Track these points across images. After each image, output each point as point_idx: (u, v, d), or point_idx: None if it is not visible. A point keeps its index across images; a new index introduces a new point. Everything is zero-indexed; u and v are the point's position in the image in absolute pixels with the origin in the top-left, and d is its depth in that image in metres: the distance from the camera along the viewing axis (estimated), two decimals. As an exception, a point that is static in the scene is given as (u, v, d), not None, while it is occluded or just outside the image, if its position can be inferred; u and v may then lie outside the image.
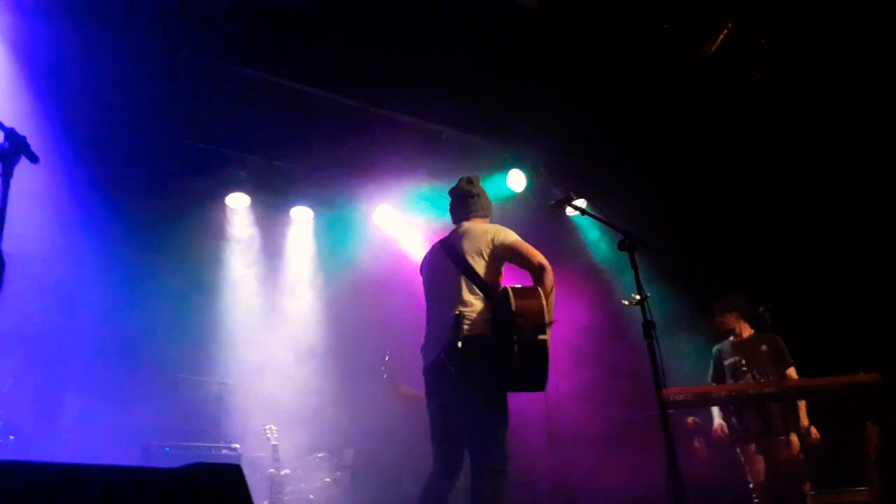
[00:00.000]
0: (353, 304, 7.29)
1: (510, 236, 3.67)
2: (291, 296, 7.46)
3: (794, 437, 5.05)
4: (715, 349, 5.52)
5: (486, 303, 3.54)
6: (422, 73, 5.74)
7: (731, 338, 5.46)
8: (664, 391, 3.25)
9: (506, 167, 7.12)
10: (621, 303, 3.84)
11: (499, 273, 3.71)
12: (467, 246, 3.64)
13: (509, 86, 5.95)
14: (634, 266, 3.41)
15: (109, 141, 5.82)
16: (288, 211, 7.49)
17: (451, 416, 3.51)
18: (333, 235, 7.55)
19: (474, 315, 3.50)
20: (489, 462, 3.38)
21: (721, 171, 6.27)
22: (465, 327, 3.47)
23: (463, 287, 3.56)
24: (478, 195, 3.95)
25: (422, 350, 3.70)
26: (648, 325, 3.33)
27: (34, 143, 2.87)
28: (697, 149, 6.24)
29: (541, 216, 6.47)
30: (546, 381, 3.48)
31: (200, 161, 6.58)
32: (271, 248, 7.46)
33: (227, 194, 7.01)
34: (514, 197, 7.10)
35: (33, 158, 2.88)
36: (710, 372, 5.47)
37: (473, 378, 3.39)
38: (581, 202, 3.84)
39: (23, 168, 2.86)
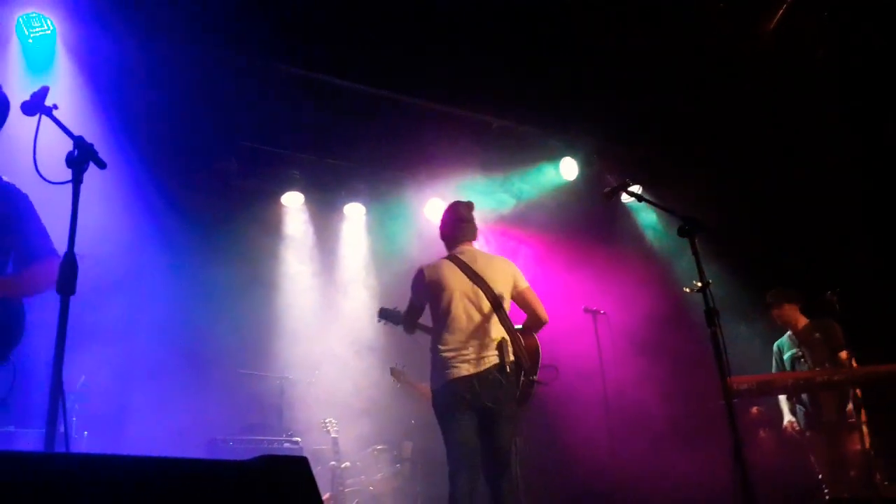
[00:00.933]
0: (408, 298, 7.31)
1: (524, 282, 4.11)
2: (346, 291, 7.56)
3: (864, 428, 4.88)
4: (776, 345, 5.40)
5: (513, 334, 3.97)
6: (470, 64, 5.70)
7: (789, 331, 5.32)
8: (728, 380, 3.17)
9: (556, 156, 7.06)
10: (680, 290, 3.79)
11: None
12: (491, 275, 4.01)
13: (559, 73, 5.87)
14: (696, 252, 3.34)
15: (170, 145, 6.01)
16: (341, 208, 7.60)
17: (492, 421, 3.82)
18: (386, 230, 7.62)
19: (509, 343, 3.90)
20: (510, 462, 3.82)
21: (779, 155, 6.06)
22: (509, 350, 3.87)
23: (497, 315, 3.93)
24: (473, 220, 4.33)
25: (449, 361, 3.85)
26: (712, 313, 3.25)
27: (101, 150, 2.99)
28: (754, 131, 6.04)
29: (592, 204, 6.39)
30: None
31: (256, 162, 6.73)
32: (326, 245, 7.58)
33: (282, 193, 7.16)
34: (566, 185, 7.04)
35: (101, 164, 2.97)
36: (774, 368, 5.33)
37: (512, 393, 3.84)
38: (637, 188, 3.77)
39: (91, 174, 2.97)
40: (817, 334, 5.14)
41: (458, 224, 4.24)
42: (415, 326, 4.40)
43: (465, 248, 4.17)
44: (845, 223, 5.83)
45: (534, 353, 4.03)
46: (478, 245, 4.29)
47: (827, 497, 4.84)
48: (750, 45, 5.40)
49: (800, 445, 5.18)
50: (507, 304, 4.00)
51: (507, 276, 4.05)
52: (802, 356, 5.10)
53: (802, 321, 5.27)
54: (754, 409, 5.61)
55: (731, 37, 5.41)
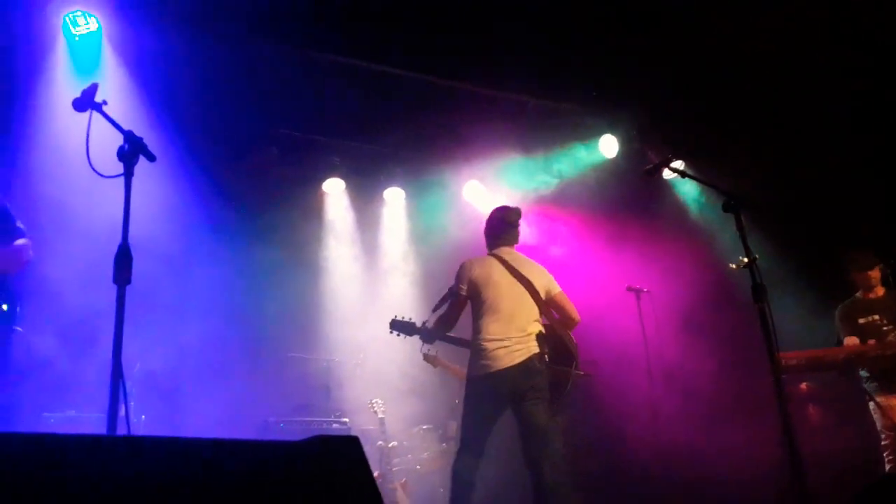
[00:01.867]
0: (450, 280, 7.34)
1: (557, 287, 4.39)
2: (389, 274, 7.64)
3: None
4: (840, 308, 5.21)
5: (550, 329, 4.34)
6: (506, 43, 5.66)
7: (861, 295, 5.17)
8: (777, 356, 3.14)
9: (595, 134, 6.99)
10: (725, 266, 3.74)
11: None
12: (534, 279, 4.30)
13: (595, 50, 5.78)
14: (741, 228, 3.30)
15: (215, 136, 6.14)
16: (381, 193, 7.67)
17: (530, 403, 4.04)
18: (426, 213, 7.66)
19: (544, 336, 4.23)
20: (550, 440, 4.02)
21: (820, 128, 5.88)
22: (544, 342, 4.19)
23: (538, 310, 4.26)
24: (518, 227, 4.57)
25: (492, 351, 4.08)
26: (759, 289, 3.22)
27: (149, 143, 3.08)
28: (797, 103, 5.86)
29: (634, 181, 6.31)
30: None
31: (296, 149, 6.83)
32: (367, 230, 7.67)
33: (323, 180, 7.26)
34: (606, 163, 6.97)
35: (151, 157, 3.06)
36: (839, 331, 5.15)
37: (547, 380, 4.14)
38: (679, 164, 3.72)
39: (141, 167, 3.06)
40: None
41: (505, 228, 4.50)
42: (437, 336, 4.73)
43: (507, 249, 4.45)
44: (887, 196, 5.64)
45: (573, 346, 4.34)
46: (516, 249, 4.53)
47: (889, 464, 4.75)
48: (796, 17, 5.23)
49: (849, 421, 5.08)
50: (542, 303, 4.29)
51: (544, 279, 4.36)
52: (885, 324, 4.96)
53: (881, 290, 5.13)
54: (803, 385, 5.51)
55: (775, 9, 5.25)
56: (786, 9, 5.18)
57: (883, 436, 4.89)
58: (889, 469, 4.80)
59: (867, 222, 5.80)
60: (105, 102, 3.09)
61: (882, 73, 5.41)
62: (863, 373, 5.04)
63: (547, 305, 4.31)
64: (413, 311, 7.33)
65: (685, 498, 5.16)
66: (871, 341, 4.84)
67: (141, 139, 3.01)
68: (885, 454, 4.87)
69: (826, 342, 5.07)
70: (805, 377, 5.45)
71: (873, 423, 4.99)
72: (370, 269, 7.60)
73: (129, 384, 4.92)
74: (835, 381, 5.40)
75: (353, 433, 5.66)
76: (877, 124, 5.63)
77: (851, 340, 4.96)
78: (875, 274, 5.10)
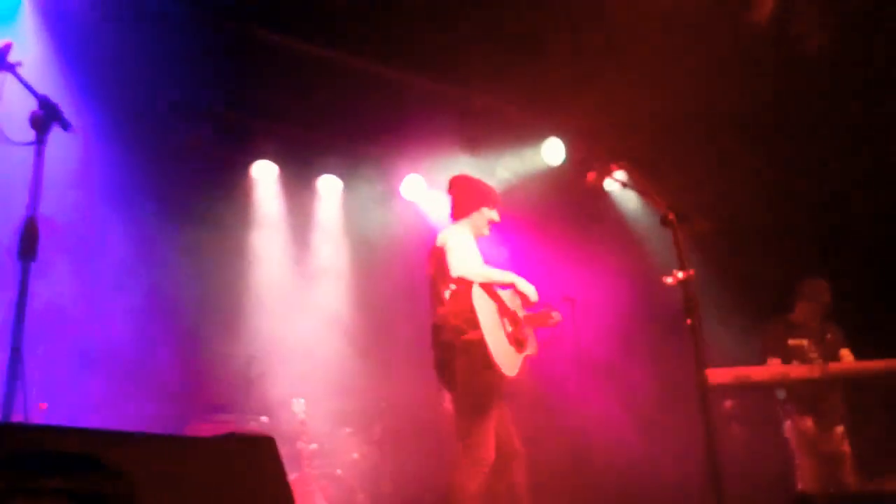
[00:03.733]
0: (382, 277, 7.27)
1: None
2: (318, 268, 7.44)
3: (839, 428, 4.97)
4: (772, 323, 5.29)
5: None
6: (456, 38, 5.59)
7: (796, 317, 5.28)
8: (705, 372, 3.16)
9: (541, 138, 6.99)
10: (662, 280, 3.77)
11: None
12: None
13: (544, 51, 5.78)
14: (677, 242, 3.31)
15: (140, 108, 5.81)
16: (315, 181, 7.45)
17: None
18: (361, 206, 7.50)
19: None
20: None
21: (767, 135, 6.04)
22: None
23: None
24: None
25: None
26: (691, 304, 3.24)
27: (67, 111, 2.88)
28: (749, 118, 5.99)
29: (577, 189, 6.34)
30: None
31: (227, 129, 6.56)
32: (298, 219, 7.42)
33: (253, 163, 6.99)
34: (550, 169, 6.99)
35: (66, 126, 2.88)
36: (766, 346, 5.21)
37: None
38: (622, 174, 3.73)
39: (56, 135, 2.86)
40: (829, 335, 5.16)
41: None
42: None
43: None
44: (834, 212, 5.83)
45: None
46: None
47: (799, 487, 4.90)
48: (746, 28, 5.35)
49: (774, 437, 5.22)
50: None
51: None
52: (812, 350, 5.10)
53: (817, 318, 5.28)
54: (728, 403, 5.64)
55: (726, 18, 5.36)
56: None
57: (796, 454, 5.04)
58: (800, 485, 4.96)
59: (800, 240, 5.98)
60: (20, 63, 2.91)
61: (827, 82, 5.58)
62: (780, 393, 5.20)
63: None
64: (341, 304, 7.26)
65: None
66: (795, 363, 4.98)
67: (57, 105, 2.83)
68: (797, 472, 5.02)
69: (752, 360, 5.19)
70: (730, 395, 5.58)
71: (787, 441, 5.16)
72: (299, 260, 7.38)
73: (31, 369, 4.65)
74: (759, 399, 5.55)
75: (272, 433, 5.46)
76: (824, 136, 5.80)
77: (774, 362, 5.10)
78: (824, 304, 5.21)
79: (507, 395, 3.87)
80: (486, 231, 4.14)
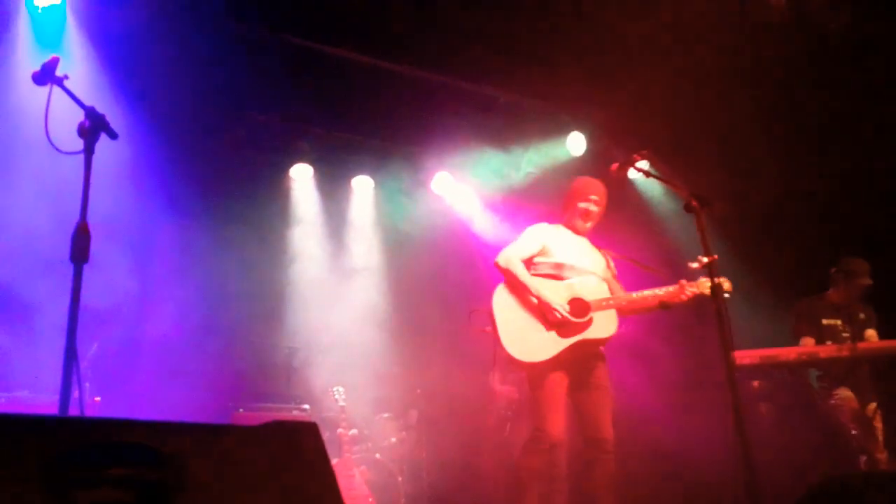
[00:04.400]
0: (415, 270, 7.40)
1: None
2: (354, 263, 7.62)
3: (872, 405, 4.95)
4: (805, 303, 5.29)
5: None
6: (479, 37, 5.66)
7: (830, 297, 5.26)
8: (731, 354, 3.21)
9: (564, 131, 7.04)
10: (686, 264, 3.82)
11: None
12: None
13: (569, 47, 5.80)
14: (701, 228, 3.35)
15: (181, 116, 6.03)
16: (349, 181, 7.64)
17: None
18: (393, 203, 7.65)
19: None
20: None
21: (785, 125, 5.98)
22: None
23: None
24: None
25: None
26: (716, 288, 3.29)
27: (112, 121, 3.01)
28: (766, 104, 5.95)
29: (601, 179, 6.34)
30: None
31: (265, 133, 6.75)
32: (334, 218, 7.63)
33: (291, 165, 7.20)
34: (574, 160, 7.03)
35: (112, 135, 3.00)
36: (798, 327, 5.23)
37: None
38: (644, 164, 3.77)
39: (103, 144, 3.00)
40: (862, 315, 5.16)
41: None
42: None
43: None
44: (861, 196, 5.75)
45: None
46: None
47: (861, 455, 4.87)
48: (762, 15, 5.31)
49: (801, 419, 5.22)
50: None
51: None
52: (845, 330, 5.07)
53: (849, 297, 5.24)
54: (755, 383, 5.63)
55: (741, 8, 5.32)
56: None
57: (851, 427, 4.98)
58: (865, 461, 4.88)
59: (826, 224, 5.93)
60: (66, 77, 3.02)
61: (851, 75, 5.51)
62: (814, 372, 5.18)
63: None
64: (376, 297, 7.41)
65: (640, 488, 5.25)
66: (828, 343, 4.96)
67: (103, 115, 2.95)
68: (855, 444, 4.95)
69: (777, 341, 5.18)
70: (757, 375, 5.57)
71: (819, 420, 5.13)
72: (336, 257, 7.57)
73: (84, 366, 4.87)
74: (786, 379, 5.54)
75: (314, 420, 5.63)
76: (846, 126, 5.73)
77: (807, 341, 5.09)
78: (863, 285, 5.15)
79: (596, 385, 3.96)
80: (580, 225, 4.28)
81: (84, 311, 2.82)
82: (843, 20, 5.17)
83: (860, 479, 3.89)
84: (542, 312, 3.94)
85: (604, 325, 3.96)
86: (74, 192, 2.85)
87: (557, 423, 3.86)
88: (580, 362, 3.99)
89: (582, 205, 4.27)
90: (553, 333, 3.91)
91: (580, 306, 3.96)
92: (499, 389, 5.91)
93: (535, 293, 3.95)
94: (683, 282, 3.98)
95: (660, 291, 4.03)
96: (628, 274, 4.36)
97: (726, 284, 3.54)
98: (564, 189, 4.42)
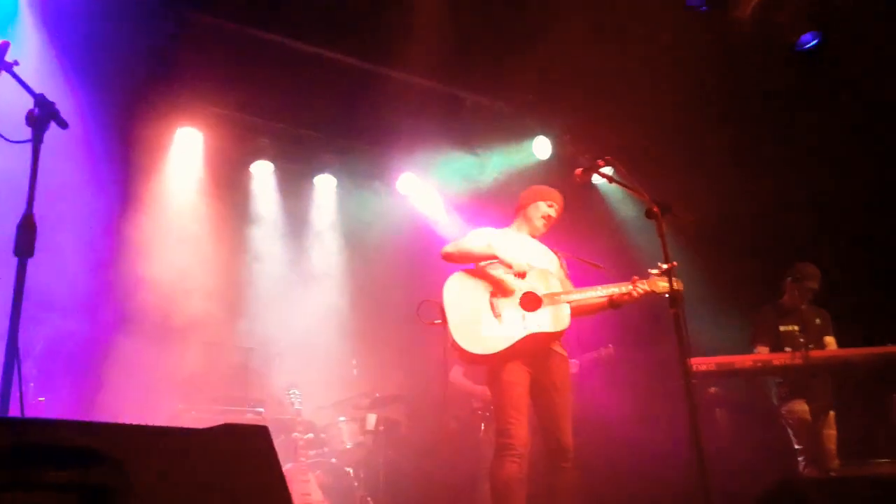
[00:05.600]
0: (377, 272, 7.34)
1: None
2: (315, 263, 7.52)
3: (831, 413, 5.06)
4: (762, 310, 5.39)
5: None
6: (447, 38, 5.65)
7: (786, 303, 5.37)
8: (688, 361, 3.24)
9: (530, 135, 7.07)
10: (648, 272, 3.86)
11: None
12: None
13: (535, 50, 5.83)
14: (661, 234, 3.38)
15: (135, 108, 5.86)
16: (311, 179, 7.53)
17: None
18: (357, 203, 7.58)
19: None
20: None
21: (749, 131, 6.10)
22: None
23: None
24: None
25: None
26: (674, 294, 3.32)
27: (63, 110, 2.91)
28: (733, 113, 6.05)
29: (565, 184, 6.38)
30: None
31: (224, 128, 6.62)
32: (295, 216, 7.51)
33: (251, 161, 7.06)
34: (539, 164, 7.06)
35: (63, 124, 2.91)
36: (755, 334, 5.33)
37: None
38: (608, 169, 3.79)
39: (52, 133, 2.90)
40: (817, 320, 5.27)
41: None
42: None
43: None
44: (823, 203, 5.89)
45: None
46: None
47: (804, 469, 4.97)
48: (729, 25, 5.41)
49: (755, 426, 5.31)
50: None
51: None
52: (801, 335, 5.15)
53: (805, 303, 5.34)
54: (712, 389, 5.72)
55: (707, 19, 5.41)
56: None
57: (796, 439, 5.11)
58: (804, 469, 5.01)
59: (783, 232, 6.05)
60: (16, 63, 2.93)
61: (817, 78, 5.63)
62: (774, 380, 5.28)
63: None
64: (335, 300, 7.33)
65: (598, 490, 5.28)
66: (787, 349, 5.05)
67: (53, 104, 2.86)
68: (799, 457, 5.08)
69: (732, 348, 5.26)
70: (713, 382, 5.66)
71: (774, 426, 5.24)
72: (295, 257, 7.45)
73: (28, 365, 4.69)
74: (741, 386, 5.64)
75: (269, 423, 5.52)
76: (809, 136, 5.86)
77: (762, 349, 5.18)
78: (811, 288, 5.27)
79: (556, 387, 3.96)
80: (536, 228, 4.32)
81: (29, 307, 2.72)
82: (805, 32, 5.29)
83: (813, 484, 3.98)
84: (496, 296, 3.91)
85: (556, 319, 3.91)
86: (20, 181, 2.75)
87: (523, 427, 3.78)
88: (539, 361, 3.93)
89: (544, 207, 4.31)
90: (504, 324, 3.85)
91: (532, 299, 3.92)
92: (461, 383, 5.82)
93: (490, 253, 3.95)
94: (636, 278, 4.01)
95: (613, 288, 4.05)
96: (583, 275, 4.36)
97: (676, 284, 3.53)
98: (521, 192, 4.48)
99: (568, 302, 3.97)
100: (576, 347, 5.32)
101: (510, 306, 3.89)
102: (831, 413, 5.11)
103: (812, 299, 5.35)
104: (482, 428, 5.69)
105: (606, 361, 5.32)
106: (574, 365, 5.24)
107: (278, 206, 7.37)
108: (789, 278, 5.38)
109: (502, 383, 3.83)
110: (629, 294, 4.00)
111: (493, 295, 3.92)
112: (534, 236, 4.31)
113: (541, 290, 3.95)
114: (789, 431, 5.16)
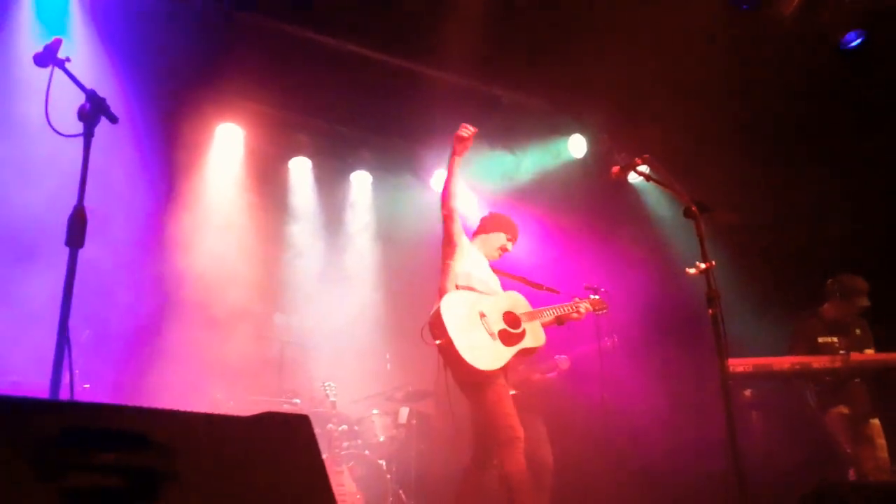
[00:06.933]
0: (411, 268, 7.37)
1: None
2: (351, 258, 7.60)
3: (874, 421, 4.96)
4: (802, 321, 5.27)
5: None
6: (482, 36, 5.65)
7: (826, 313, 5.24)
8: (726, 362, 3.21)
9: (566, 133, 7.04)
10: (683, 270, 3.81)
11: None
12: None
13: (572, 48, 5.81)
14: (700, 234, 3.35)
15: (182, 104, 5.99)
16: (348, 175, 7.61)
17: None
18: (393, 199, 7.63)
19: None
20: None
21: (792, 135, 5.98)
22: None
23: None
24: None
25: None
26: (712, 295, 3.29)
27: (113, 105, 2.99)
28: (772, 112, 5.94)
29: (601, 182, 6.36)
30: None
31: (265, 124, 6.73)
32: (332, 212, 7.60)
33: (289, 157, 7.18)
34: (575, 162, 7.03)
35: (113, 119, 2.98)
36: (795, 345, 5.20)
37: None
38: (645, 168, 3.77)
39: (102, 127, 2.98)
40: (857, 330, 5.16)
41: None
42: None
43: None
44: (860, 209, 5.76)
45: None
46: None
47: (856, 476, 4.88)
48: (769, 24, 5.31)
49: (790, 429, 5.22)
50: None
51: None
52: (840, 347, 5.04)
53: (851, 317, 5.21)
54: (747, 392, 5.64)
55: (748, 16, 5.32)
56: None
57: (843, 444, 4.98)
58: (854, 474, 4.89)
59: (824, 234, 5.93)
60: (68, 59, 3.00)
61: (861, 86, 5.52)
62: (812, 385, 5.17)
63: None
64: (371, 295, 7.39)
65: (635, 496, 5.25)
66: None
67: (103, 99, 2.93)
68: (849, 464, 4.95)
69: (772, 349, 5.17)
70: (750, 384, 5.58)
71: (811, 430, 5.14)
72: (332, 252, 7.54)
73: (75, 353, 4.82)
74: (778, 389, 5.54)
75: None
76: (849, 139, 5.74)
77: None
78: (860, 305, 5.13)
79: (533, 407, 4.10)
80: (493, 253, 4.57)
81: (77, 296, 2.79)
82: (849, 31, 5.18)
83: (850, 488, 3.91)
84: (492, 321, 4.09)
85: (537, 335, 4.23)
86: (73, 175, 2.83)
87: (515, 423, 3.94)
88: (509, 373, 4.19)
89: (504, 240, 4.58)
90: (498, 342, 4.04)
91: (513, 318, 4.20)
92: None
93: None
94: (577, 299, 4.49)
95: (557, 309, 4.46)
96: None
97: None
98: (493, 218, 4.69)
99: (539, 320, 4.33)
100: (567, 342, 5.36)
101: (498, 324, 4.10)
102: (876, 421, 4.98)
103: (859, 314, 5.20)
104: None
105: (612, 352, 5.25)
106: (563, 361, 5.36)
107: (315, 201, 7.48)
108: (836, 289, 5.23)
109: (498, 391, 3.97)
110: (572, 313, 4.49)
111: (481, 315, 4.09)
112: (487, 259, 4.53)
113: (518, 310, 4.25)
114: (836, 437, 5.04)
